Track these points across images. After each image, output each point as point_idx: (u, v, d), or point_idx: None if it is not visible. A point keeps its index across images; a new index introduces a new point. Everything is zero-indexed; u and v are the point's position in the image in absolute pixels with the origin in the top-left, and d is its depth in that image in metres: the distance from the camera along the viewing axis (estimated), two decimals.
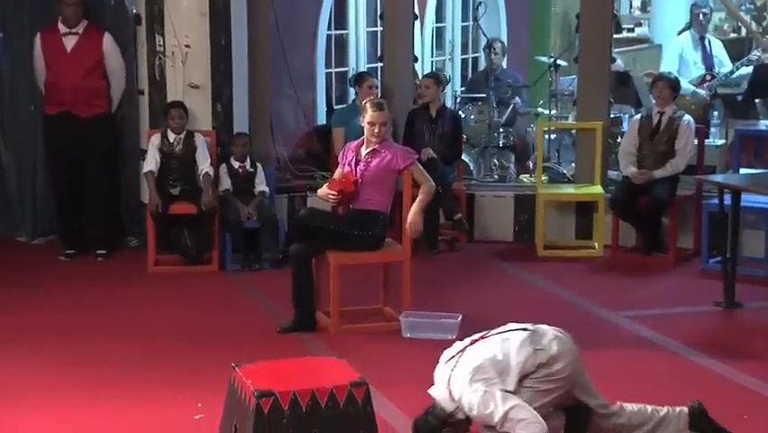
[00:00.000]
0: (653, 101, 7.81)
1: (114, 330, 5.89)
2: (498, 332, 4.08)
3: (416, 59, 8.93)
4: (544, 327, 4.10)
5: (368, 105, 5.87)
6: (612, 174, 8.32)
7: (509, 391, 3.86)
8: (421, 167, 6.00)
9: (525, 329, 4.04)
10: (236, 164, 7.48)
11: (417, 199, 5.84)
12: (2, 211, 8.42)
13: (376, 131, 5.78)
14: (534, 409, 3.85)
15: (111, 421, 4.51)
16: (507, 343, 3.98)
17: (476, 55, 12.09)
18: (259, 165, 7.56)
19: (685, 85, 8.97)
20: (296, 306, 5.87)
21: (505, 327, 4.12)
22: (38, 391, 4.90)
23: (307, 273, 5.87)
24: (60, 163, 7.77)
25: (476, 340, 4.04)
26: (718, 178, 7.13)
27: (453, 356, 4.00)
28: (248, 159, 7.51)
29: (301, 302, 5.86)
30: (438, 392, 3.96)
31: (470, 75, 11.77)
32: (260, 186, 7.50)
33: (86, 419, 4.53)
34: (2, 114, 8.29)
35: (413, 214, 5.80)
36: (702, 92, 8.99)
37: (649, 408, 4.21)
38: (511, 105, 9.51)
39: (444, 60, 11.89)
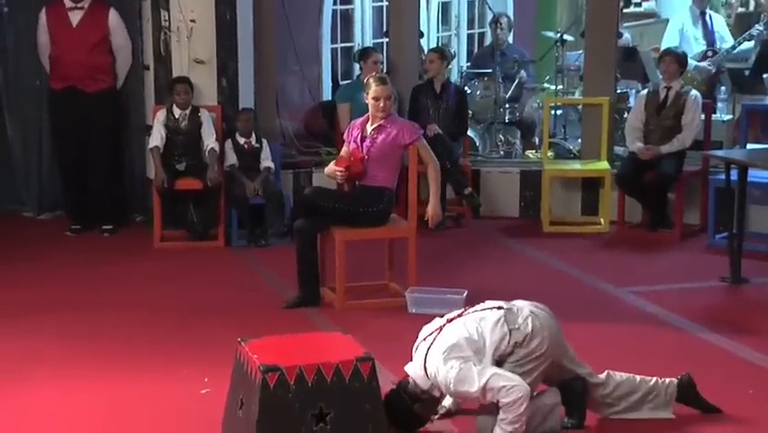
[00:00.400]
0: (660, 76, 7.77)
1: (119, 305, 5.91)
2: (474, 310, 4.06)
3: (421, 35, 8.89)
4: (521, 303, 4.08)
5: (371, 80, 5.85)
6: (618, 150, 8.30)
7: None
8: (426, 143, 5.98)
9: (500, 307, 4.02)
10: (241, 140, 7.46)
11: (431, 189, 5.86)
12: (8, 186, 8.43)
13: (381, 105, 5.76)
14: None
15: (117, 395, 4.53)
16: (483, 322, 3.96)
17: (482, 30, 12.04)
18: (264, 141, 7.54)
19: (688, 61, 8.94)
20: (300, 282, 5.87)
21: (482, 304, 4.10)
22: (43, 364, 4.91)
23: (312, 249, 5.86)
24: (66, 138, 7.77)
25: (453, 318, 4.03)
26: (725, 153, 7.11)
27: (432, 333, 4.00)
28: (253, 134, 7.49)
29: (306, 278, 5.86)
30: (413, 370, 3.97)
31: (476, 50, 11.72)
32: (266, 162, 7.48)
33: (92, 393, 4.55)
34: (7, 89, 8.29)
35: (432, 206, 5.85)
36: (705, 65, 8.94)
37: (637, 378, 4.21)
38: (516, 80, 9.47)
39: (450, 36, 11.85)
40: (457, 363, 3.83)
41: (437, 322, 4.06)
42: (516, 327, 3.94)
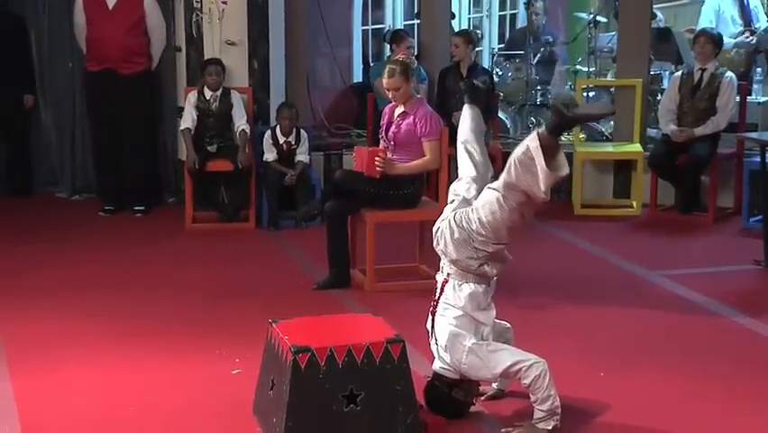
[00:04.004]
0: (695, 57, 7.68)
1: (151, 285, 5.95)
2: (435, 300, 4.03)
3: (453, 16, 8.84)
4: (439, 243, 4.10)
5: (385, 69, 5.78)
6: (651, 132, 8.23)
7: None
8: (437, 145, 5.78)
9: (446, 275, 4.04)
10: (281, 138, 7.38)
11: (405, 165, 5.75)
12: (42, 167, 8.52)
13: (390, 96, 5.74)
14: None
15: (148, 375, 4.55)
16: (450, 292, 3.99)
17: (514, 12, 11.97)
18: (303, 135, 7.44)
19: (726, 40, 8.79)
20: (331, 263, 5.88)
21: (438, 280, 4.08)
22: (76, 344, 4.94)
23: (342, 231, 5.86)
24: (101, 120, 7.82)
25: (433, 308, 4.01)
26: (761, 135, 7.02)
27: (429, 332, 4.01)
28: (293, 132, 7.39)
29: (336, 260, 5.86)
30: (436, 364, 3.96)
31: (507, 32, 11.66)
32: (301, 156, 7.40)
33: (123, 372, 4.58)
34: (41, 71, 8.35)
35: (391, 165, 5.72)
36: (745, 38, 8.80)
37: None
38: (538, 55, 9.40)
39: (482, 17, 11.79)
40: (463, 357, 3.83)
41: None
42: (454, 255, 4.05)
